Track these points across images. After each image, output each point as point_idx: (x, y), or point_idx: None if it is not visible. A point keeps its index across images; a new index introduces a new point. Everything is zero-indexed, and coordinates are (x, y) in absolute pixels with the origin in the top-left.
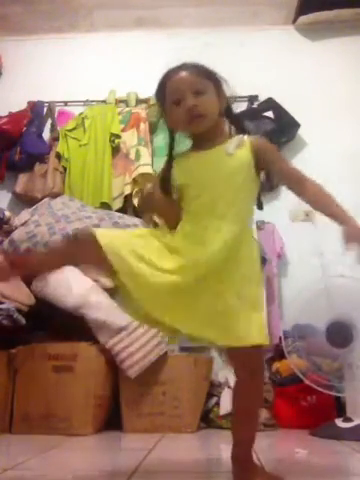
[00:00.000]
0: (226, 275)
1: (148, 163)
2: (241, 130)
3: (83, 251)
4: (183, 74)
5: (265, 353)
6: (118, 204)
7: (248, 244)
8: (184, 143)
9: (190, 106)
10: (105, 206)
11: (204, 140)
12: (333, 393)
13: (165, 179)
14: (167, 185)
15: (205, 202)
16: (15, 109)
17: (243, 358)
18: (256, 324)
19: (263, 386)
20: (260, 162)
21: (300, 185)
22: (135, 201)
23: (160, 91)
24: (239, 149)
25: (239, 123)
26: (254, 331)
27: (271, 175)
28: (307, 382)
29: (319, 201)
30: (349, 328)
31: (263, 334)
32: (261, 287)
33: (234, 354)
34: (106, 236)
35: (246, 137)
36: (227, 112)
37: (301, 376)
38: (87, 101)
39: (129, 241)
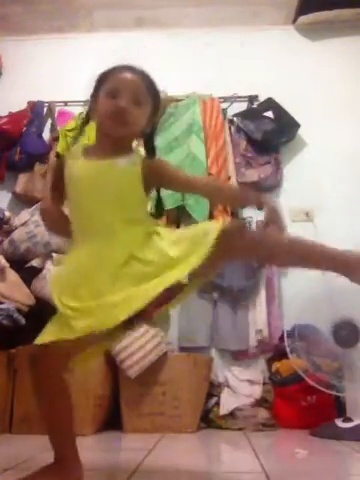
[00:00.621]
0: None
1: None
2: (151, 156)
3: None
4: (134, 77)
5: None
6: None
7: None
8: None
9: (122, 106)
10: None
11: (105, 147)
12: (334, 392)
13: (59, 165)
14: (59, 179)
15: (86, 214)
16: (15, 109)
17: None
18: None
19: (257, 235)
20: (151, 180)
21: (191, 183)
22: None
23: (102, 77)
24: (131, 166)
25: (152, 151)
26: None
27: (169, 188)
28: (310, 382)
29: (211, 189)
30: (356, 327)
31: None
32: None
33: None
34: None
35: (141, 156)
36: (147, 137)
37: (304, 376)
38: (87, 101)
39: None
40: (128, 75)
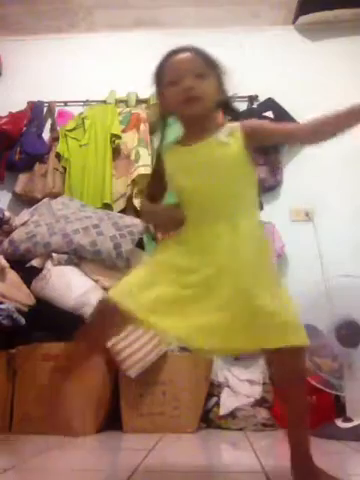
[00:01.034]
0: (251, 276)
1: (147, 164)
2: (237, 120)
3: (111, 319)
4: (186, 55)
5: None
6: (120, 205)
7: (261, 238)
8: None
9: (188, 86)
10: (106, 207)
11: (196, 130)
12: (334, 392)
13: (158, 171)
14: (160, 178)
15: (205, 199)
16: (15, 109)
17: (285, 361)
18: (292, 324)
19: (306, 387)
20: (253, 142)
21: (295, 133)
22: (135, 202)
23: (159, 70)
24: (231, 137)
25: (236, 115)
26: (290, 331)
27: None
28: (313, 382)
29: (320, 128)
30: (359, 327)
31: (301, 334)
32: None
33: (275, 358)
34: (117, 292)
35: (235, 124)
36: (225, 105)
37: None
38: (87, 101)
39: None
40: (180, 56)
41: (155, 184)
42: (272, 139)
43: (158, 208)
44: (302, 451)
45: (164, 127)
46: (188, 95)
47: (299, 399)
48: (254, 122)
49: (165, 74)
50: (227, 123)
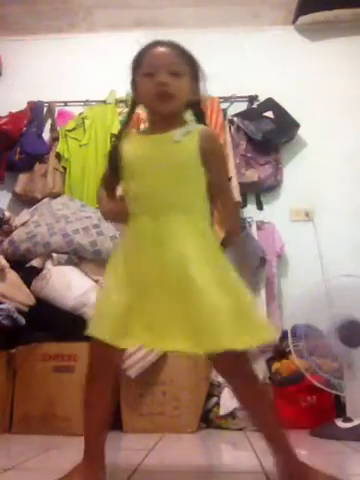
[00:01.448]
0: (183, 274)
1: None
2: (201, 122)
3: (104, 361)
4: (164, 50)
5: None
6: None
7: (208, 238)
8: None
9: (161, 81)
10: None
11: (160, 124)
12: (335, 391)
13: (114, 154)
14: (116, 163)
15: (147, 191)
16: (15, 109)
17: (229, 364)
18: (244, 325)
19: (261, 386)
20: (203, 152)
21: (220, 201)
22: None
23: (137, 59)
24: (187, 137)
25: (203, 118)
26: (241, 333)
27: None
28: (314, 382)
29: (225, 220)
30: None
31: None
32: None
33: (220, 361)
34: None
35: (197, 127)
36: (194, 105)
37: (307, 375)
38: (87, 101)
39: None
40: (158, 50)
41: (110, 170)
42: (209, 171)
43: (103, 207)
44: (284, 450)
45: (131, 113)
46: (161, 90)
47: (258, 399)
48: (212, 138)
49: (142, 64)
50: (189, 123)
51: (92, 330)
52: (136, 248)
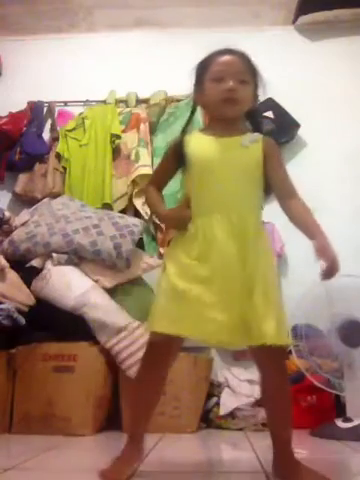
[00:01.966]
0: (249, 272)
1: (147, 164)
2: (258, 131)
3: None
4: (235, 58)
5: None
6: (121, 205)
7: (264, 239)
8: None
9: (231, 87)
10: (106, 207)
11: (222, 128)
12: (335, 392)
13: (178, 146)
14: (178, 154)
15: (216, 190)
16: (15, 109)
17: (273, 358)
18: (283, 323)
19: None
20: (265, 161)
21: (288, 201)
22: (135, 202)
23: (204, 64)
24: (253, 144)
25: (259, 126)
26: (283, 330)
27: (267, 179)
28: (314, 382)
29: (300, 220)
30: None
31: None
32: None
33: (263, 354)
34: (156, 323)
35: (261, 135)
36: (252, 113)
37: (308, 375)
38: (87, 101)
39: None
40: (229, 58)
41: (166, 165)
42: (269, 174)
43: (162, 210)
44: (287, 448)
45: (192, 114)
46: (229, 96)
47: (286, 393)
48: (274, 145)
49: (210, 69)
50: (250, 131)
51: (158, 323)
52: (210, 244)
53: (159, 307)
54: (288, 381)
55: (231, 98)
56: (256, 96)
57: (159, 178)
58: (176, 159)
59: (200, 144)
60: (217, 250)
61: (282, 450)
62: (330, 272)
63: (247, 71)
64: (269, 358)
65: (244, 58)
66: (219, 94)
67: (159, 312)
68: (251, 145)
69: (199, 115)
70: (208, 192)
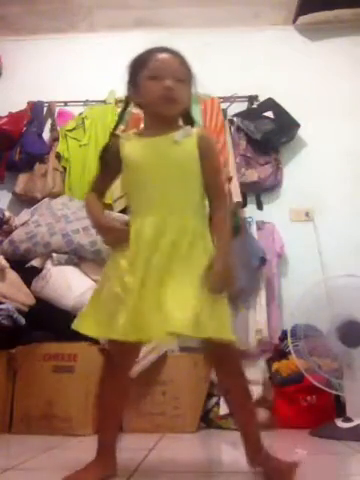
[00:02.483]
0: (183, 270)
1: None
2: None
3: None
4: (171, 57)
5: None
6: (121, 205)
7: (203, 237)
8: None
9: (169, 86)
10: (106, 207)
11: (157, 126)
12: (335, 392)
13: (107, 150)
14: (108, 159)
15: (153, 190)
16: (15, 109)
17: (220, 357)
18: (221, 319)
19: (246, 382)
20: (199, 155)
21: (213, 206)
22: None
23: (140, 61)
24: (186, 138)
25: (192, 121)
26: (221, 326)
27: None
28: (314, 382)
29: (215, 231)
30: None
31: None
32: None
33: (211, 354)
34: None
35: (195, 129)
36: (185, 112)
37: (307, 376)
38: (87, 101)
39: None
40: (167, 56)
41: (104, 170)
42: (202, 173)
43: (103, 221)
44: (253, 438)
45: (124, 112)
46: (167, 94)
47: (240, 394)
48: (208, 140)
49: (147, 67)
50: (184, 126)
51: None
52: (139, 246)
53: (86, 307)
54: (239, 378)
55: (169, 97)
56: (191, 95)
57: (98, 184)
58: (113, 162)
59: (133, 146)
60: (143, 251)
61: (249, 442)
62: (217, 285)
63: (184, 69)
64: (214, 357)
65: (180, 56)
66: (157, 92)
67: (84, 312)
68: (184, 139)
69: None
70: (143, 193)
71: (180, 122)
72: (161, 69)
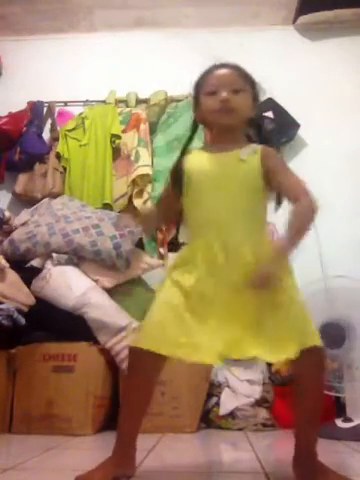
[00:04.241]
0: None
1: (147, 164)
2: (260, 143)
3: (143, 370)
4: (224, 71)
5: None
6: (121, 205)
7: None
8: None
9: (224, 98)
10: (106, 207)
11: (222, 141)
12: (332, 394)
13: (177, 171)
14: (177, 177)
15: (216, 206)
16: (15, 109)
17: (308, 361)
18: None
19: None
20: (265, 169)
21: (283, 189)
22: (135, 202)
23: (199, 80)
24: (251, 156)
25: (260, 136)
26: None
27: (272, 186)
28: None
29: (293, 218)
30: (343, 329)
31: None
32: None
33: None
34: (146, 339)
35: (258, 145)
36: (253, 122)
37: None
38: (87, 101)
39: (165, 326)
40: (221, 71)
41: (169, 188)
42: (273, 180)
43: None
44: (309, 448)
45: (193, 132)
46: (223, 106)
47: (320, 394)
48: (272, 153)
49: (204, 85)
50: (252, 144)
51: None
52: (206, 263)
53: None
54: (321, 383)
55: (225, 108)
56: (255, 103)
57: (163, 202)
58: (178, 181)
59: (197, 162)
60: (211, 274)
61: (304, 450)
62: (259, 280)
63: (242, 81)
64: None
65: (237, 69)
66: (214, 106)
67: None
68: (249, 157)
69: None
70: (204, 211)
71: (245, 137)
72: (216, 85)
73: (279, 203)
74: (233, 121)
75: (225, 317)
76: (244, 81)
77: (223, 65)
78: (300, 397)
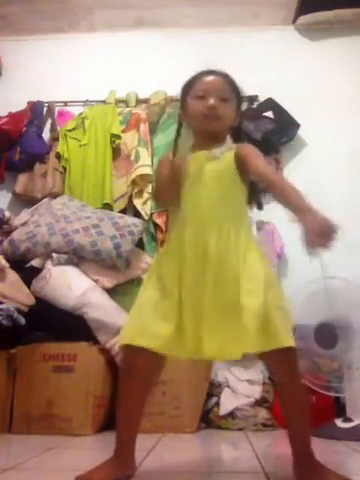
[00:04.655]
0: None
1: (147, 164)
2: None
3: (135, 368)
4: (216, 78)
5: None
6: (121, 205)
7: (249, 250)
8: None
9: (211, 104)
10: (106, 207)
11: (203, 143)
12: (331, 394)
13: (174, 171)
14: (174, 179)
15: (194, 204)
16: (15, 109)
17: (280, 361)
18: (285, 325)
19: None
20: (240, 163)
21: (261, 174)
22: (135, 202)
23: (188, 84)
24: (227, 152)
25: (240, 140)
26: (285, 332)
27: (249, 175)
28: (309, 384)
29: (282, 193)
30: (335, 329)
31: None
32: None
33: (269, 358)
34: (127, 336)
35: (234, 144)
36: (235, 130)
37: (306, 376)
38: (87, 101)
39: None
40: (211, 77)
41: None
42: (249, 165)
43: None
44: (304, 448)
45: (178, 132)
46: (209, 112)
47: (300, 396)
48: (247, 146)
49: (194, 88)
50: (230, 143)
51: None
52: (185, 262)
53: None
54: (299, 381)
55: (212, 114)
56: (238, 113)
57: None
58: (175, 179)
59: (190, 165)
60: (189, 268)
61: (300, 450)
62: (318, 242)
63: (229, 90)
64: (276, 361)
65: (227, 78)
66: (200, 110)
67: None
68: (223, 154)
69: None
70: (186, 210)
71: (228, 140)
72: (205, 90)
73: (258, 204)
74: (217, 128)
75: (200, 311)
76: (231, 91)
77: (213, 72)
78: (281, 397)
